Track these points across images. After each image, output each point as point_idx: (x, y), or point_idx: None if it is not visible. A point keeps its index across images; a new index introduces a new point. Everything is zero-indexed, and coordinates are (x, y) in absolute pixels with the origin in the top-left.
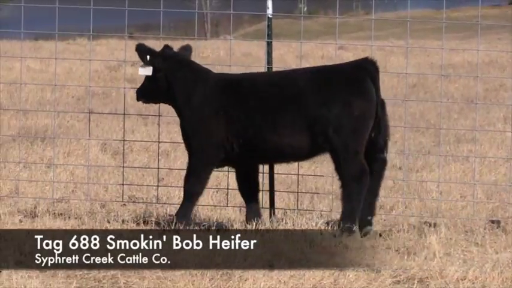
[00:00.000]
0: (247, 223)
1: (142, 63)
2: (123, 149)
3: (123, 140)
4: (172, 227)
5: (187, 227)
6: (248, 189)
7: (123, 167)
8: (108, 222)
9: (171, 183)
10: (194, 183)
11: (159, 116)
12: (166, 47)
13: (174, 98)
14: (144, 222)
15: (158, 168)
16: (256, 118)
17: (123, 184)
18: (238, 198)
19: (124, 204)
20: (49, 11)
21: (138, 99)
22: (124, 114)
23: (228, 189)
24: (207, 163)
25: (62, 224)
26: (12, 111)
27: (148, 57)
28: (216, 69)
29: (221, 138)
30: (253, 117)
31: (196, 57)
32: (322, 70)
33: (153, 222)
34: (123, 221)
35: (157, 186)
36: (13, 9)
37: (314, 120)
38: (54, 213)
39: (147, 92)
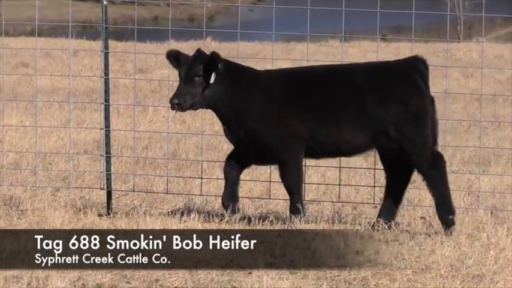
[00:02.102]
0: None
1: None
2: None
3: None
4: (294, 223)
5: (304, 219)
6: (236, 173)
7: (374, 169)
8: (360, 224)
9: (420, 185)
10: (297, 175)
11: None
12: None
13: (232, 103)
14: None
15: None
16: (315, 114)
17: (374, 186)
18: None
19: (375, 206)
20: (301, 12)
21: (182, 107)
22: None
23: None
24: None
25: (312, 226)
26: None
27: (220, 65)
28: None
29: (295, 130)
30: (314, 111)
31: (448, 59)
32: (377, 67)
33: (404, 225)
34: (374, 224)
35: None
36: (265, 10)
37: (373, 119)
38: (306, 214)
39: (200, 100)
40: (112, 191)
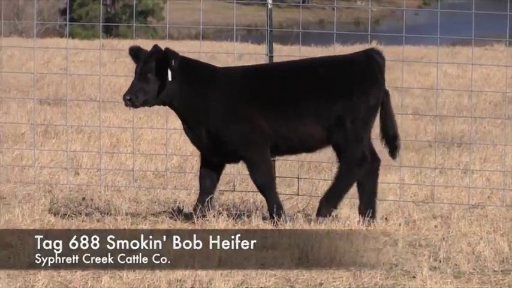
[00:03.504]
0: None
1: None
2: None
3: None
4: (276, 221)
5: (283, 215)
6: (210, 181)
7: None
8: None
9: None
10: (266, 173)
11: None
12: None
13: (189, 101)
14: None
15: None
16: (278, 109)
17: None
18: None
19: None
20: (466, 16)
21: (134, 104)
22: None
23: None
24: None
25: (477, 230)
26: (428, 116)
27: (173, 61)
28: None
29: (259, 127)
30: (276, 106)
31: None
32: (336, 60)
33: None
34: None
35: None
36: (430, 14)
37: (333, 111)
38: (470, 219)
39: (153, 96)
40: None
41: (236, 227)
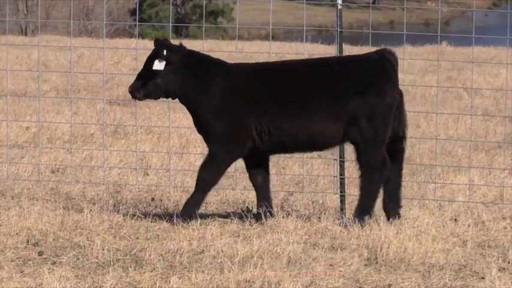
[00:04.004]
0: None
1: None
2: None
3: None
4: (180, 217)
5: (192, 219)
6: (261, 178)
7: None
8: None
9: None
10: (212, 173)
11: None
12: (180, 44)
13: (188, 93)
14: None
15: None
16: (287, 106)
17: None
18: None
19: None
20: None
21: (135, 96)
22: None
23: None
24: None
25: None
26: (498, 117)
27: (165, 51)
28: None
29: (250, 127)
30: (285, 105)
31: None
32: (348, 59)
33: None
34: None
35: None
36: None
37: (347, 109)
38: None
39: (154, 88)
40: (345, 196)
41: (305, 228)
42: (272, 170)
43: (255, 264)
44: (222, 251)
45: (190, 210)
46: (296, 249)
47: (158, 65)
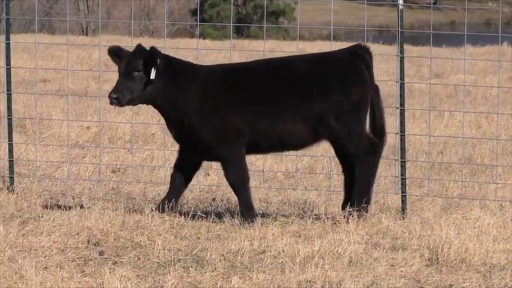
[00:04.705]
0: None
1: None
2: None
3: None
4: (245, 222)
5: (254, 217)
6: (182, 180)
7: None
8: None
9: None
10: (239, 172)
11: None
12: (152, 48)
13: (171, 98)
14: None
15: None
16: (258, 106)
17: None
18: None
19: None
20: None
21: (120, 102)
22: None
23: None
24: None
25: None
26: None
27: (158, 60)
28: None
29: (235, 124)
30: (255, 105)
31: None
32: (319, 57)
33: None
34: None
35: None
36: None
37: (314, 109)
38: None
39: (141, 95)
40: (407, 196)
41: (366, 228)
42: (333, 170)
43: (316, 264)
44: (283, 251)
45: (248, 212)
46: (357, 250)
47: (153, 74)
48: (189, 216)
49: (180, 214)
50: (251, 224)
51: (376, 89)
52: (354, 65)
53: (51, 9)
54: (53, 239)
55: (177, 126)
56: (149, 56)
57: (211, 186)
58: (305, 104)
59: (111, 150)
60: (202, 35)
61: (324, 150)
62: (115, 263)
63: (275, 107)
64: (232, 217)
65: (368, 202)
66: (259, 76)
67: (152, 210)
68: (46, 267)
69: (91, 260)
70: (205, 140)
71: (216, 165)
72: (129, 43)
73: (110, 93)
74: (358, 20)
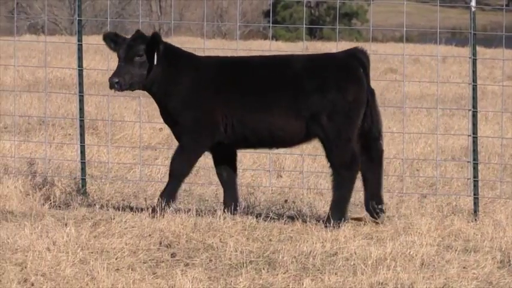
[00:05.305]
0: (224, 208)
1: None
2: None
3: None
4: (157, 207)
5: (170, 207)
6: (227, 174)
7: None
8: None
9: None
10: (183, 164)
11: None
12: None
13: (163, 83)
14: None
15: None
16: (250, 100)
17: None
18: None
19: None
20: None
21: (121, 87)
22: None
23: None
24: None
25: None
26: None
27: (161, 46)
28: None
29: (216, 119)
30: (248, 99)
31: None
32: (318, 56)
33: None
34: None
35: None
36: None
37: (308, 106)
38: None
39: (140, 80)
40: (479, 198)
41: (438, 230)
42: (406, 173)
43: (388, 266)
44: (355, 253)
45: (166, 198)
46: (429, 252)
47: (156, 59)
48: (261, 218)
49: (252, 216)
50: (161, 213)
51: (372, 93)
52: (351, 65)
53: (124, 11)
54: (125, 240)
55: (164, 111)
56: (152, 41)
57: (283, 188)
58: (299, 99)
59: None
60: (275, 37)
61: (396, 151)
62: (187, 264)
63: (267, 102)
64: (305, 218)
65: (343, 218)
66: (254, 70)
67: (224, 212)
68: (118, 269)
69: (163, 261)
70: (180, 123)
71: (288, 167)
72: (201, 44)
73: (111, 77)
74: (431, 22)
